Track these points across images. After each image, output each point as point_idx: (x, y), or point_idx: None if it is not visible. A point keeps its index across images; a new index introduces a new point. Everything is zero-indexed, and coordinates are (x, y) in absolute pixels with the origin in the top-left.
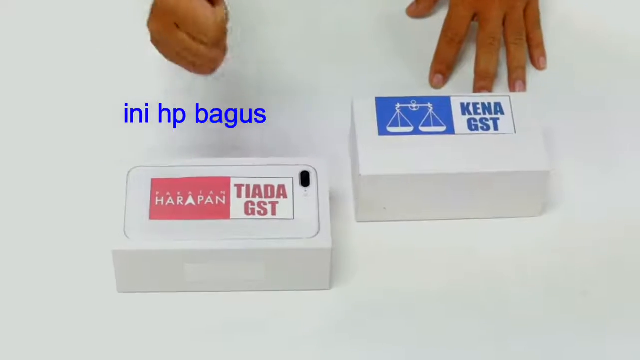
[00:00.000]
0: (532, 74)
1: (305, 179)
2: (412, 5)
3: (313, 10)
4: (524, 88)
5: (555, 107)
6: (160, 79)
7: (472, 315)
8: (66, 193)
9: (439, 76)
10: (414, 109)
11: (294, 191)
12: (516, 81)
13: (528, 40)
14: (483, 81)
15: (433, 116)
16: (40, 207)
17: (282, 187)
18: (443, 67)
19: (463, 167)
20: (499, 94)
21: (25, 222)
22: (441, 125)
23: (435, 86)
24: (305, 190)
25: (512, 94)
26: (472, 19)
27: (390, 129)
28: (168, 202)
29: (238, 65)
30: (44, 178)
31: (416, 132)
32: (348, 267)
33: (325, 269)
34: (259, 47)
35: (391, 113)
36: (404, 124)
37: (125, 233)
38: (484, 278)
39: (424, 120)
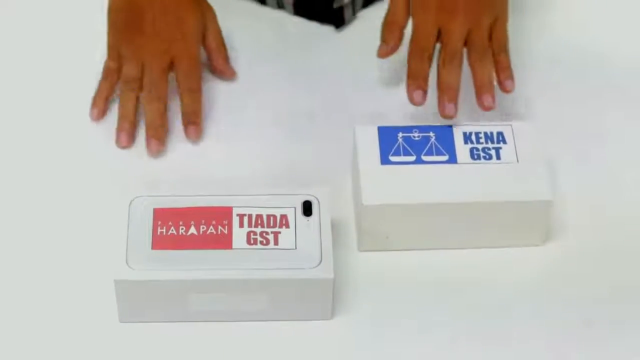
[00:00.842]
0: (535, 102)
1: (307, 208)
2: (380, 47)
3: (312, 39)
4: (492, 102)
5: (557, 136)
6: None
7: (475, 345)
8: (68, 223)
9: (419, 92)
10: (416, 138)
11: (296, 221)
12: (483, 96)
13: (495, 62)
14: (446, 95)
15: (435, 145)
16: (42, 236)
17: (284, 217)
18: (420, 81)
19: (465, 197)
20: (501, 123)
21: (28, 252)
22: (443, 154)
23: (418, 103)
24: (308, 220)
25: (514, 123)
26: (438, 35)
27: (393, 158)
28: (170, 231)
29: (237, 97)
30: (46, 208)
31: (418, 161)
32: (350, 296)
33: (327, 299)
34: (258, 77)
35: (393, 142)
36: (406, 153)
37: (127, 263)
38: (486, 308)
39: (426, 150)
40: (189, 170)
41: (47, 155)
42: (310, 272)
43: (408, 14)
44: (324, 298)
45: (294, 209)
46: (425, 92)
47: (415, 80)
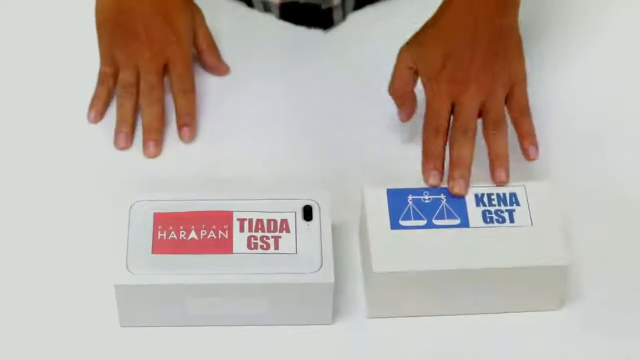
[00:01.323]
0: (548, 161)
1: (308, 213)
2: (400, 113)
3: (318, 99)
4: (505, 177)
5: (572, 196)
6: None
7: None
8: (68, 227)
9: (435, 173)
10: (427, 201)
11: (297, 225)
12: (496, 170)
13: (516, 129)
14: (456, 169)
15: (446, 208)
16: (42, 241)
17: (284, 221)
18: (437, 162)
19: (478, 263)
20: (515, 184)
21: (28, 257)
22: (455, 218)
23: (433, 184)
24: (308, 225)
25: (527, 184)
26: (451, 109)
27: (403, 223)
28: (170, 236)
29: (232, 99)
30: (45, 212)
31: (429, 225)
32: (351, 301)
33: (327, 303)
34: (262, 141)
35: (403, 205)
36: (417, 217)
37: (127, 267)
38: None
39: (437, 213)
40: (189, 172)
41: (46, 159)
42: (311, 276)
43: (414, 80)
44: (325, 302)
45: (294, 213)
46: (441, 173)
47: (431, 161)
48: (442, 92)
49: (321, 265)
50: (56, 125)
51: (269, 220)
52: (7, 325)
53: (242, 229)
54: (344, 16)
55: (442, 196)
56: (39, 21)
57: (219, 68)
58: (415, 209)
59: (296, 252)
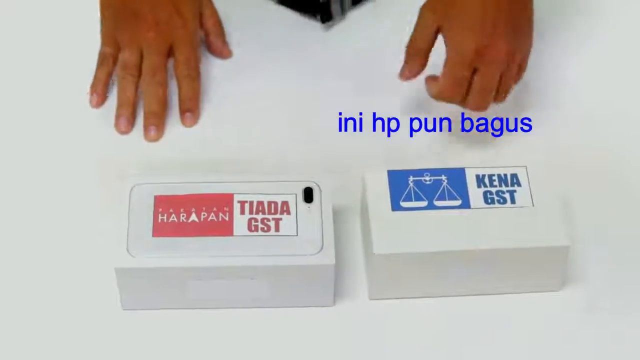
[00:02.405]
0: (550, 142)
1: (308, 195)
2: (403, 69)
3: (319, 83)
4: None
5: (574, 177)
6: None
7: None
8: (69, 211)
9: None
10: (428, 182)
11: (297, 207)
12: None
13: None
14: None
15: (447, 189)
16: (42, 224)
17: (285, 203)
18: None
19: (480, 244)
20: (516, 165)
21: (28, 240)
22: (456, 199)
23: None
24: (309, 207)
25: (529, 165)
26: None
27: (404, 204)
28: (171, 219)
29: (235, 80)
30: (45, 195)
31: (430, 206)
32: (352, 283)
33: (329, 285)
34: (263, 125)
35: (404, 187)
36: (418, 199)
37: (128, 251)
38: (504, 355)
39: (438, 194)
40: (190, 154)
41: (46, 142)
42: (312, 258)
43: (434, 40)
44: (326, 284)
45: (295, 195)
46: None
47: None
48: (464, 62)
49: (322, 247)
50: (56, 107)
51: (269, 203)
52: (8, 310)
53: (242, 211)
54: (342, 11)
55: (443, 177)
56: (37, 5)
57: (224, 52)
58: (416, 190)
59: (297, 234)
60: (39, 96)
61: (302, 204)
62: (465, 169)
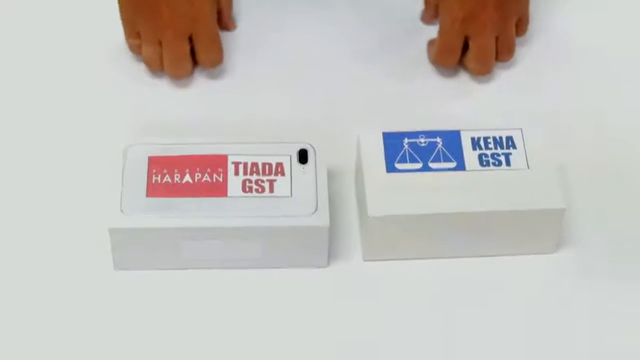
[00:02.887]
0: (544, 105)
1: (303, 156)
2: (424, 12)
3: (313, 40)
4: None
5: (569, 140)
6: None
7: (483, 350)
8: (62, 171)
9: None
10: (423, 144)
11: (292, 169)
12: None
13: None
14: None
15: (442, 151)
16: (35, 184)
17: (280, 164)
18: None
19: (475, 206)
20: (512, 128)
21: (21, 199)
22: (451, 161)
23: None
24: (303, 168)
25: (525, 128)
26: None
27: (399, 166)
28: (165, 179)
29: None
30: (38, 155)
31: (425, 168)
32: (346, 244)
33: (323, 246)
34: (258, 86)
35: (399, 149)
36: (413, 160)
37: (121, 211)
38: (496, 316)
39: (433, 156)
40: (185, 116)
41: (40, 103)
42: (306, 219)
43: None
44: (320, 246)
45: (289, 156)
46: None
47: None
48: (453, 29)
49: (316, 209)
50: (51, 69)
51: (264, 164)
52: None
53: (237, 172)
54: None
55: (438, 139)
56: None
57: (229, 26)
58: (411, 152)
59: (291, 195)
60: (35, 58)
61: (297, 166)
62: (461, 131)
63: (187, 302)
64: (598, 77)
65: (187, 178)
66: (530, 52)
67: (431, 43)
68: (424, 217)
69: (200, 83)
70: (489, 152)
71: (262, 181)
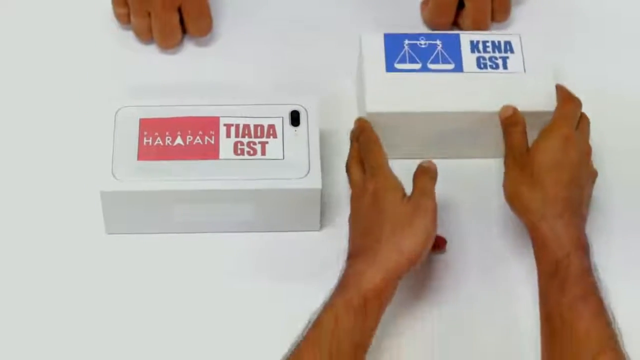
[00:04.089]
0: (543, 13)
1: (295, 118)
2: None
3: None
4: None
5: (566, 47)
6: None
7: (469, 249)
8: (51, 134)
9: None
10: (423, 46)
11: (284, 131)
12: None
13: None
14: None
15: (442, 53)
16: (26, 149)
17: (271, 127)
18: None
19: (471, 106)
20: (510, 33)
21: (11, 163)
22: (449, 62)
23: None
24: (296, 130)
25: (523, 34)
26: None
27: (398, 66)
28: (156, 142)
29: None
30: (29, 120)
31: (424, 69)
32: (339, 207)
33: (315, 209)
34: (250, 46)
35: (399, 49)
36: (412, 61)
37: (113, 174)
38: (486, 215)
39: (432, 58)
40: (175, 78)
41: (30, 65)
42: (298, 182)
43: None
44: (312, 209)
45: (281, 118)
46: None
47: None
48: None
49: (308, 171)
50: (42, 30)
51: (255, 126)
52: None
53: (228, 135)
54: None
55: (438, 42)
56: None
57: None
58: (411, 53)
59: (283, 158)
60: (22, 23)
61: (289, 128)
62: (460, 35)
63: (179, 266)
64: (597, 36)
65: (179, 140)
66: (525, 14)
67: (425, 2)
68: (420, 115)
69: (190, 44)
70: (486, 55)
71: (254, 143)
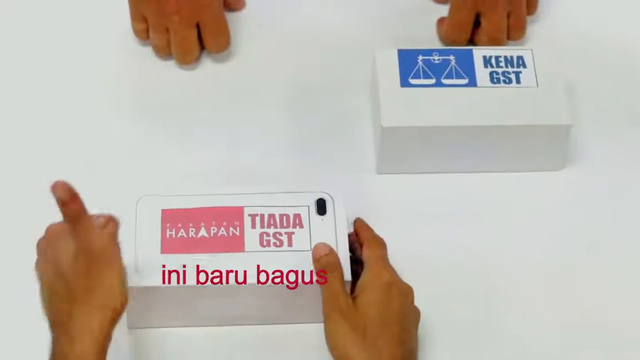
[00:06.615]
0: (555, 27)
1: (321, 207)
2: None
3: (320, 19)
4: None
5: (578, 61)
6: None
7: (482, 262)
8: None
9: None
10: (436, 62)
11: (310, 220)
12: None
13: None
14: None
15: (455, 69)
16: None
17: (297, 216)
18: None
19: (484, 120)
20: (522, 47)
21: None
22: (463, 77)
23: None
24: (322, 219)
25: (535, 48)
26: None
27: (412, 81)
28: (180, 234)
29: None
30: (50, 206)
31: (438, 84)
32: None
33: None
34: (262, 55)
35: (413, 65)
36: (426, 76)
37: (136, 269)
38: (501, 230)
39: (446, 73)
40: (197, 166)
41: (50, 154)
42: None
43: None
44: None
45: (307, 207)
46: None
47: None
48: (465, 6)
49: None
50: (60, 116)
51: (281, 216)
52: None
53: (253, 225)
54: None
55: (452, 57)
56: None
57: (238, 5)
58: (425, 68)
59: (310, 249)
60: (44, 102)
61: (315, 217)
62: (473, 50)
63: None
64: (611, 55)
65: (203, 232)
66: (541, 32)
67: (441, 20)
68: (435, 129)
69: (207, 63)
70: (499, 70)
71: (280, 234)
